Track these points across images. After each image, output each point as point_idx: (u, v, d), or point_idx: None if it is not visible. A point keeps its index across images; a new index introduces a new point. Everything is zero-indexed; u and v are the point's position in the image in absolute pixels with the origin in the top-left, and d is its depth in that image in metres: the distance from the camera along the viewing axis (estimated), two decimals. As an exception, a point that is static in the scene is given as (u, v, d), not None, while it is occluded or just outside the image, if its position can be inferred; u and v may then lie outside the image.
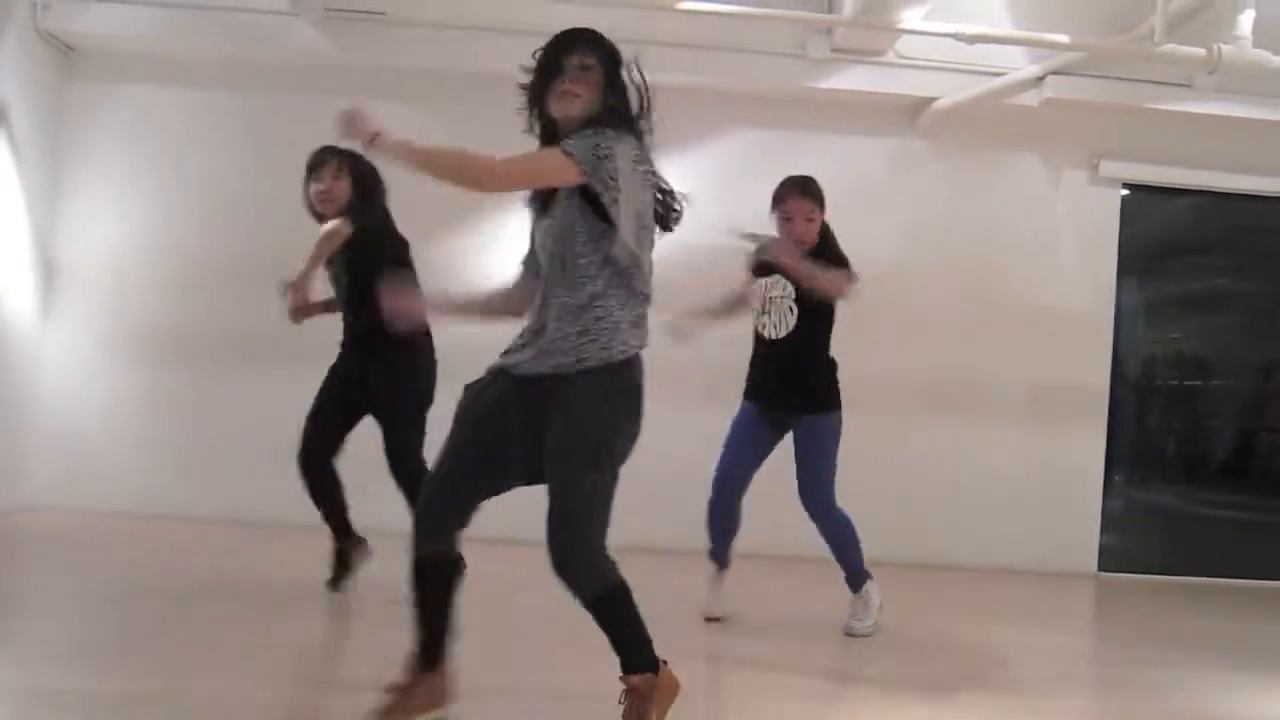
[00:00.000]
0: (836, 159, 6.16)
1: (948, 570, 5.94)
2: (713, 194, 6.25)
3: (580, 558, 2.52)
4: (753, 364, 4.33)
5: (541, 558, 2.49)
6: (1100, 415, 6.31)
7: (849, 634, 4.20)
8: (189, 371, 5.88)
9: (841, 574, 4.27)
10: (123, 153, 5.99)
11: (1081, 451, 6.26)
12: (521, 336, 2.65)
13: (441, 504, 2.62)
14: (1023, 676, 3.97)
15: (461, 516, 2.63)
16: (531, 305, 2.65)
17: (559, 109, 2.59)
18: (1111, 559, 6.36)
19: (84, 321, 5.96)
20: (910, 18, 5.21)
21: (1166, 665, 4.30)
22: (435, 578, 2.64)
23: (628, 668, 2.61)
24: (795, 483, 4.19)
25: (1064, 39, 5.20)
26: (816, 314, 4.18)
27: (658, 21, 5.41)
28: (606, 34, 2.67)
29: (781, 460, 4.27)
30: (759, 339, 4.27)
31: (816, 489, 4.16)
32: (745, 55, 5.79)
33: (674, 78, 5.72)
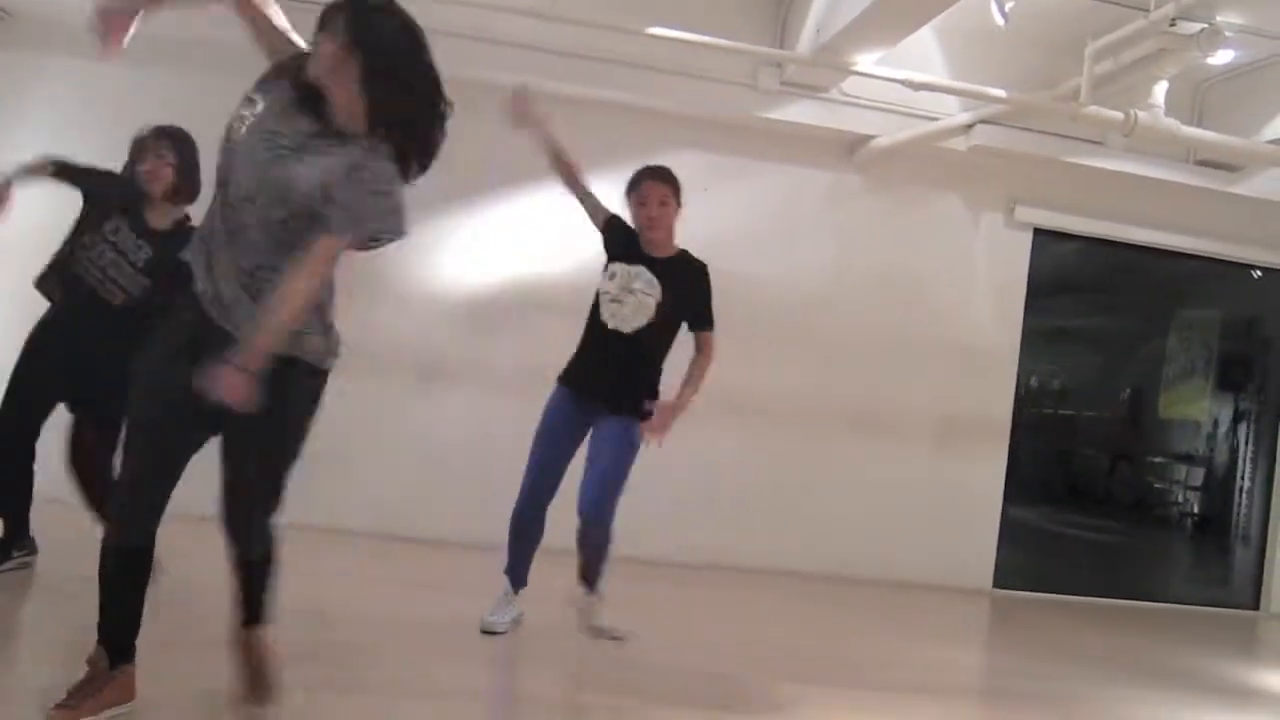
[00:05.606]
0: (776, 187, 6.43)
1: (854, 583, 6.24)
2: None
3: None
4: (583, 350, 4.08)
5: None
6: (1002, 441, 6.74)
7: (606, 633, 4.09)
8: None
9: (586, 575, 4.09)
10: (53, 126, 5.73)
11: (984, 475, 6.68)
12: None
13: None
14: (922, 686, 4.24)
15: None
16: None
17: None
18: (1002, 576, 6.80)
19: (6, 301, 5.68)
20: (863, 60, 5.48)
21: (1057, 678, 4.65)
22: (139, 567, 2.62)
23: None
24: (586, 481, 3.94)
25: (1001, 93, 5.55)
26: (674, 324, 4.01)
27: (620, 42, 5.53)
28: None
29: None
30: (598, 326, 3.99)
31: (615, 493, 3.92)
32: (700, 81, 5.94)
33: (630, 97, 5.94)
